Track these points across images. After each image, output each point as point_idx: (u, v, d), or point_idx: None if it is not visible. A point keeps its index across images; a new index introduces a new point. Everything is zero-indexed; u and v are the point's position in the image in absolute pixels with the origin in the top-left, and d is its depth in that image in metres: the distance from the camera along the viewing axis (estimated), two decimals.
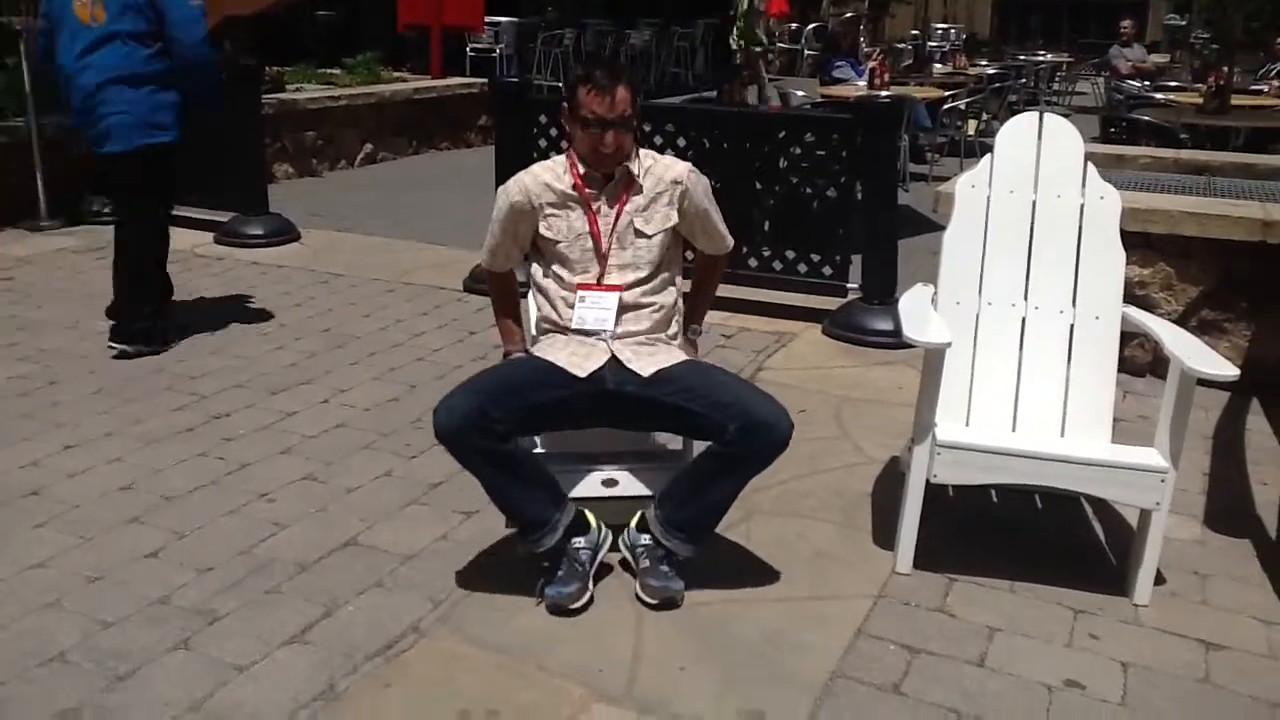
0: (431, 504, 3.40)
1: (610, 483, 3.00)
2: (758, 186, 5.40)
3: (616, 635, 2.73)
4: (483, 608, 2.84)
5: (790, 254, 5.35)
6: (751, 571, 3.04)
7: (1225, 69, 8.94)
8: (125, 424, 3.99)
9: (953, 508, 3.33)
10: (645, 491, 3.02)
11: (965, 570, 3.04)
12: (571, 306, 2.94)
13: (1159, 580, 2.97)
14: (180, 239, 6.73)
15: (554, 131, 5.63)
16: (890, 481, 3.55)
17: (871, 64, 9.87)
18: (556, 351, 2.90)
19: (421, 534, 3.21)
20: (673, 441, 3.28)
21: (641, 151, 3.01)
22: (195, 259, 6.42)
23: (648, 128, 5.49)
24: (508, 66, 14.79)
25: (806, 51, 21.91)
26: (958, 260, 3.23)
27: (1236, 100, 8.95)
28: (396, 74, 11.47)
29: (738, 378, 3.08)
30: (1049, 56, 19.15)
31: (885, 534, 3.20)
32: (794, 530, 3.27)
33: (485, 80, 11.38)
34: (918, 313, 3.02)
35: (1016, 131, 3.27)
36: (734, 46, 11.23)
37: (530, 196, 2.95)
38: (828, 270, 5.28)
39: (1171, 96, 9.92)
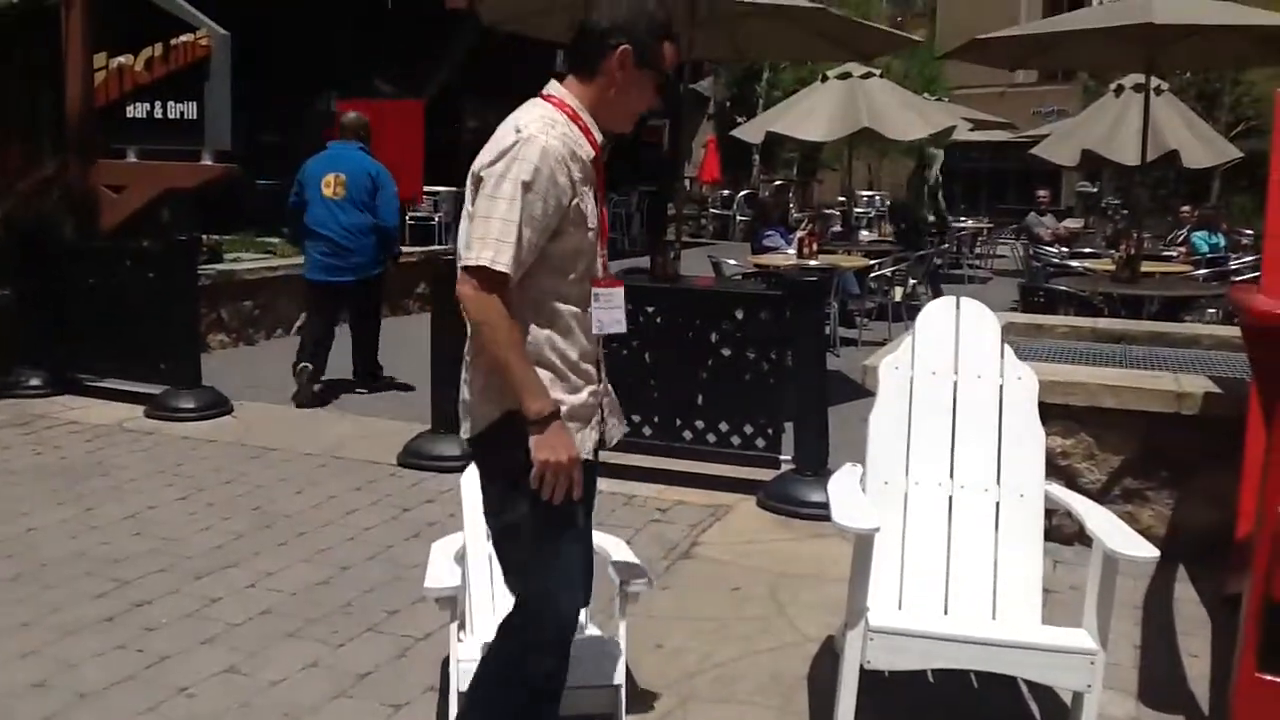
0: (358, 696, 3.30)
1: None
2: (691, 360, 5.48)
3: None
4: None
5: (724, 426, 5.41)
6: None
7: (1135, 236, 9.35)
8: (42, 613, 3.85)
9: (890, 688, 3.30)
10: (582, 683, 2.96)
11: None
12: (578, 334, 2.42)
13: None
14: (109, 413, 6.71)
15: None
16: (827, 662, 3.51)
17: (800, 234, 10.21)
18: (582, 439, 2.43)
19: None
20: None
21: None
22: (123, 434, 6.32)
23: None
24: (446, 234, 15.02)
25: (738, 217, 22.59)
26: (884, 440, 3.29)
27: (1148, 266, 9.36)
28: None
29: None
30: (970, 223, 19.91)
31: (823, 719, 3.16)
32: (731, 718, 3.21)
33: (424, 250, 11.55)
34: (846, 496, 3.06)
35: (935, 315, 3.38)
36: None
37: (572, 170, 2.33)
38: (761, 442, 5.33)
39: (1088, 264, 10.34)
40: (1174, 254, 12.14)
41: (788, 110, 13.65)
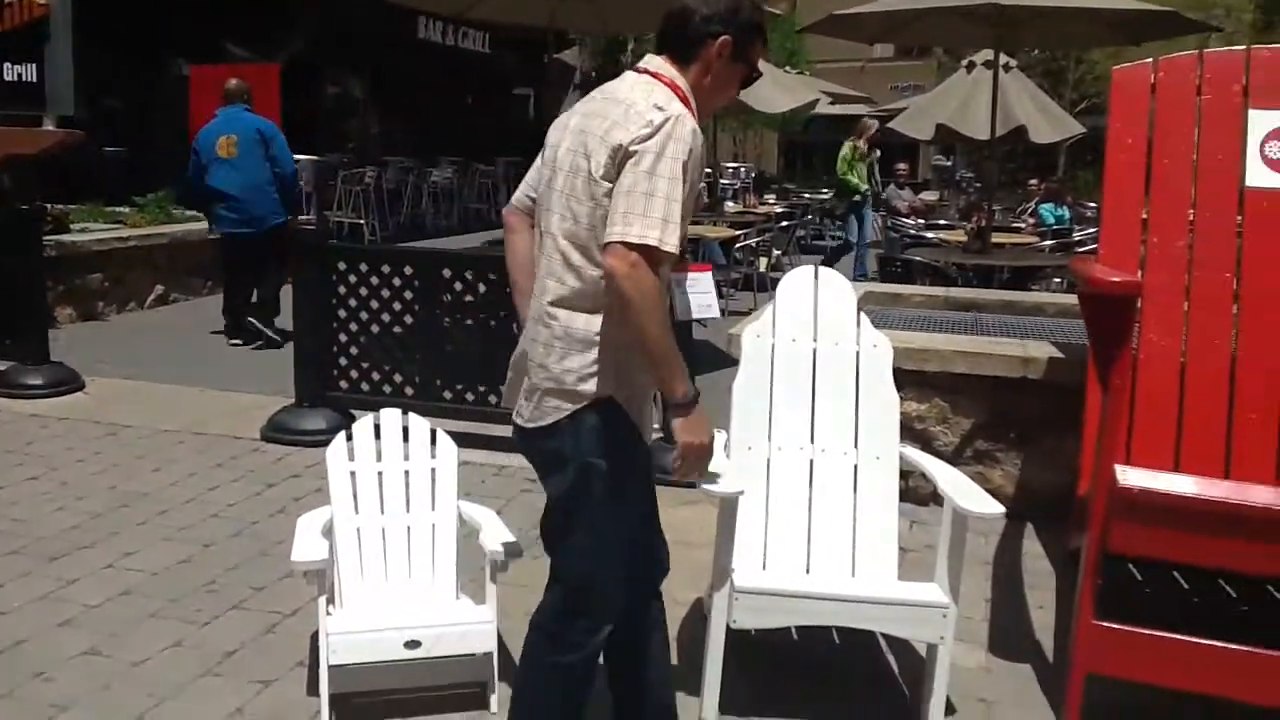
0: (225, 674, 3.26)
1: (413, 644, 2.95)
2: None
3: None
4: None
5: None
6: None
7: (986, 208, 9.72)
8: None
9: (756, 647, 3.40)
10: (452, 652, 3.00)
11: (769, 712, 3.12)
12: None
13: (949, 710, 3.10)
14: None
15: (352, 278, 5.62)
16: (695, 625, 3.60)
17: None
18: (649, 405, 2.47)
19: (215, 709, 3.06)
20: (481, 596, 3.25)
21: None
22: None
23: (447, 273, 5.55)
24: (308, 205, 14.68)
25: None
26: (748, 406, 3.38)
27: (998, 238, 9.74)
28: (190, 212, 11.22)
29: None
30: (831, 194, 20.31)
31: (693, 680, 3.23)
32: (601, 682, 3.27)
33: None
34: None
35: (795, 284, 3.47)
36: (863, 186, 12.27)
37: (704, 153, 2.38)
38: None
39: (943, 235, 10.69)
40: (1023, 226, 12.62)
41: None
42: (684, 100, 2.35)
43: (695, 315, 2.50)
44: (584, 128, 2.35)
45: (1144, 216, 4.06)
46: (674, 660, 3.40)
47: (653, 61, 2.44)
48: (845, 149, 13.07)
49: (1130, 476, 3.08)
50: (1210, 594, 3.33)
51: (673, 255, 2.22)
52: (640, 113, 2.28)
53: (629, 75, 2.44)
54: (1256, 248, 3.89)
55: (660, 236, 2.19)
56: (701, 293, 2.50)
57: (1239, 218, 3.95)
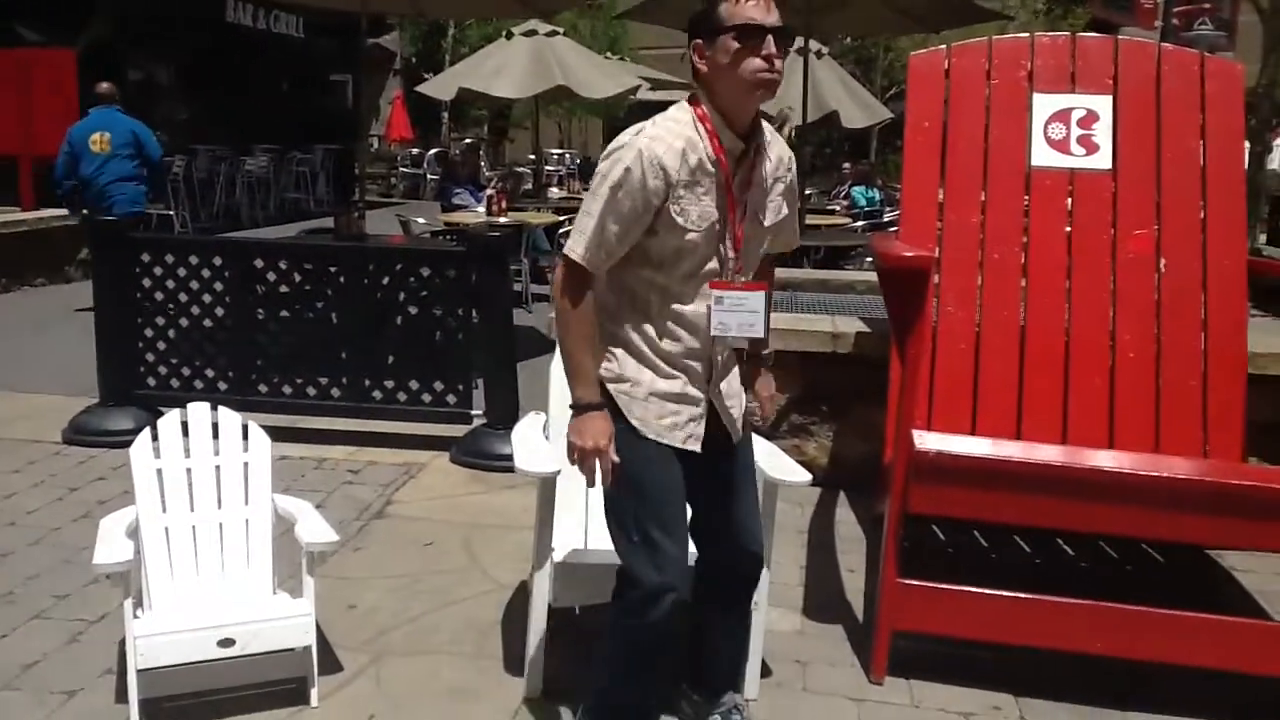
0: (25, 687, 3.10)
1: (227, 642, 2.87)
2: (379, 319, 5.42)
3: None
4: None
5: (414, 384, 5.38)
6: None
7: (800, 191, 10.00)
8: None
9: (578, 625, 3.44)
10: (269, 648, 2.93)
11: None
12: (675, 328, 2.49)
13: (765, 673, 3.22)
14: None
15: (158, 270, 5.40)
16: (521, 606, 3.60)
17: (490, 192, 10.24)
18: (661, 421, 2.52)
19: None
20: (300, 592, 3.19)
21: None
22: None
23: (259, 263, 5.40)
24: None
25: (429, 176, 22.30)
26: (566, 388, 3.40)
27: (813, 219, 10.04)
28: None
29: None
30: None
31: (517, 661, 3.26)
32: (426, 668, 3.26)
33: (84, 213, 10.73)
34: (529, 442, 3.16)
35: None
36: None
37: (668, 174, 2.38)
38: (452, 399, 5.35)
39: None
40: (836, 208, 13.04)
41: (477, 67, 13.50)
42: (702, 118, 2.46)
43: (735, 334, 2.50)
44: None
45: (940, 196, 4.26)
46: (499, 644, 3.44)
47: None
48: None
49: (927, 440, 3.24)
50: (1006, 549, 3.55)
51: (583, 268, 2.43)
52: (617, 139, 2.47)
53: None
54: (1041, 223, 4.14)
55: (575, 249, 2.44)
56: (748, 311, 2.51)
57: (1026, 195, 4.19)
